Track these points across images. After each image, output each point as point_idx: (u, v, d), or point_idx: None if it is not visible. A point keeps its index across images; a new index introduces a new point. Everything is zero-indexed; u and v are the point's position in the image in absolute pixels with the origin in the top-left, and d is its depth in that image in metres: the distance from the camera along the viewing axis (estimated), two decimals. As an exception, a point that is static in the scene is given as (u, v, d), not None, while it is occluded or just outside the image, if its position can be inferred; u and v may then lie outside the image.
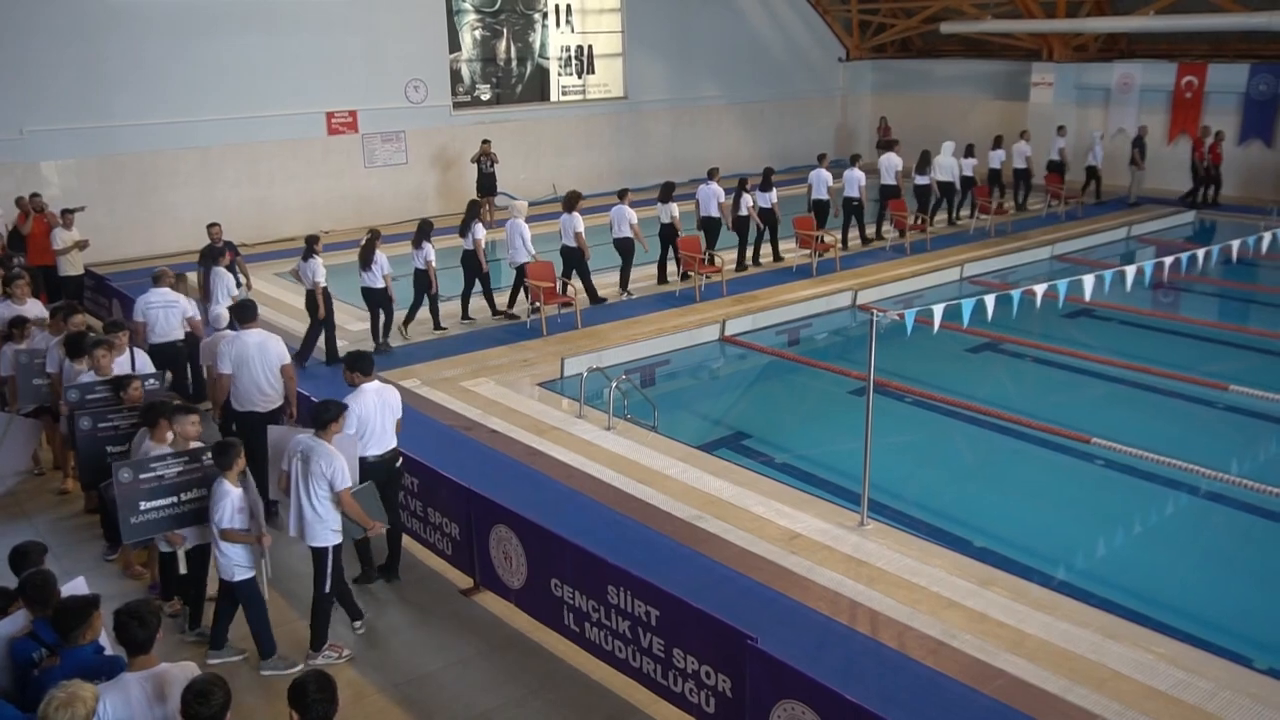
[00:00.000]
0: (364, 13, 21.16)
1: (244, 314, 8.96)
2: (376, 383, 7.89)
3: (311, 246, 12.63)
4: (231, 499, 6.62)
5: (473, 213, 14.50)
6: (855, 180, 18.33)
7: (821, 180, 18.47)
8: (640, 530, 8.63)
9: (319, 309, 12.55)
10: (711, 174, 17.04)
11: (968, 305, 8.65)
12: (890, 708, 6.21)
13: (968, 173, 20.79)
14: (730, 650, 5.63)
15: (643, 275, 16.48)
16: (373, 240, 13.11)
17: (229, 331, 9.34)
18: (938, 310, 8.48)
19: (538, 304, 14.24)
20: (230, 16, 19.63)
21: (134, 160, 19.11)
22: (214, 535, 6.68)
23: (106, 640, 5.22)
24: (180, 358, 10.99)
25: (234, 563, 6.71)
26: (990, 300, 8.82)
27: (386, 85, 21.75)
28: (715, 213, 16.63)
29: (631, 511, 8.96)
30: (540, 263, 14.63)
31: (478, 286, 14.70)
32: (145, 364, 9.33)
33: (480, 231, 14.21)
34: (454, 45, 22.99)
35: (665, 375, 13.59)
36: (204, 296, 12.53)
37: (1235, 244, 10.90)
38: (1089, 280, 9.29)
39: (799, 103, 29.16)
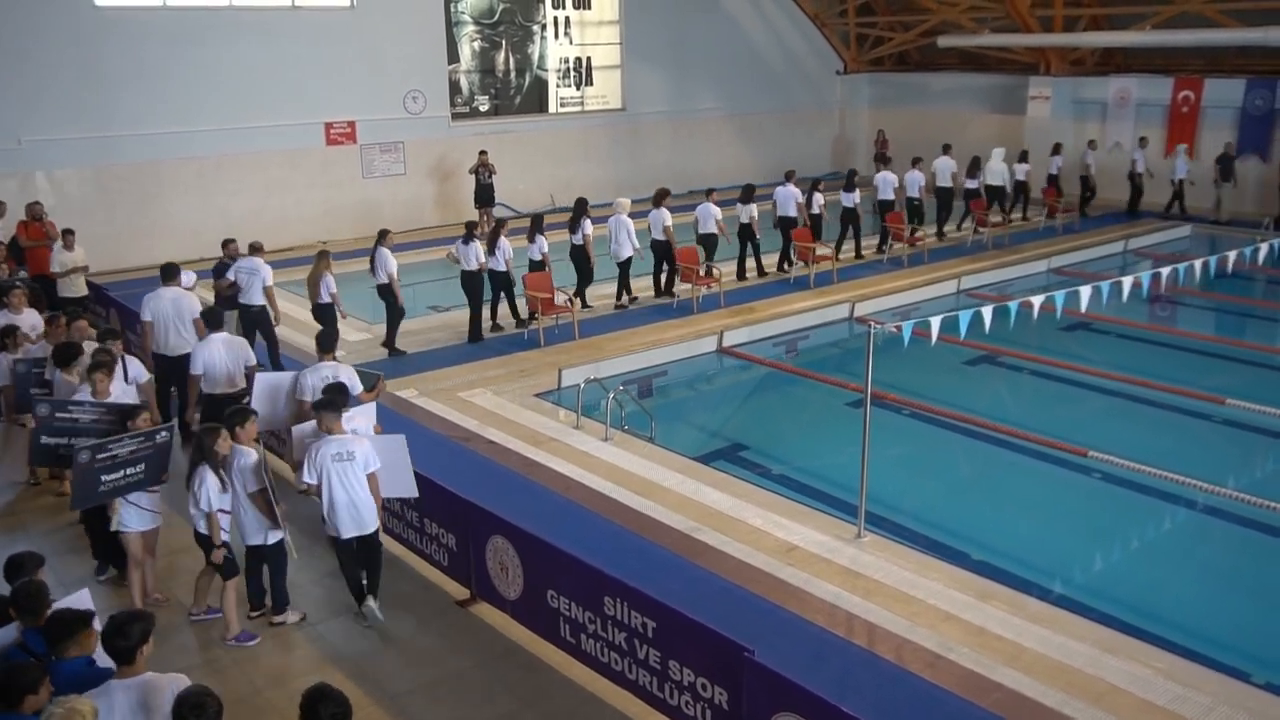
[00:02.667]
0: (363, 24, 21.20)
1: (166, 274, 10.53)
2: (224, 334, 9.57)
3: (471, 231, 14.22)
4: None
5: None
6: (916, 182, 19.86)
7: (888, 183, 19.70)
8: (637, 541, 8.61)
9: (479, 289, 14.08)
10: (788, 176, 18.35)
11: (965, 318, 8.64)
12: (887, 721, 6.21)
13: (1020, 177, 21.87)
14: (727, 662, 5.61)
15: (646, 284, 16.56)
16: (498, 229, 14.47)
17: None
18: (935, 322, 8.48)
19: (535, 313, 14.27)
20: (229, 27, 19.67)
21: (132, 170, 19.11)
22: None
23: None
24: (265, 322, 12.54)
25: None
26: (988, 313, 8.83)
27: (385, 96, 21.78)
28: (793, 212, 17.78)
29: (628, 523, 8.94)
30: (538, 274, 14.64)
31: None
32: (139, 372, 9.17)
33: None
34: (453, 56, 23.04)
35: (663, 386, 13.58)
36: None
37: (1231, 255, 10.91)
38: (1086, 293, 9.30)
39: (797, 115, 29.22)
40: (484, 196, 21.29)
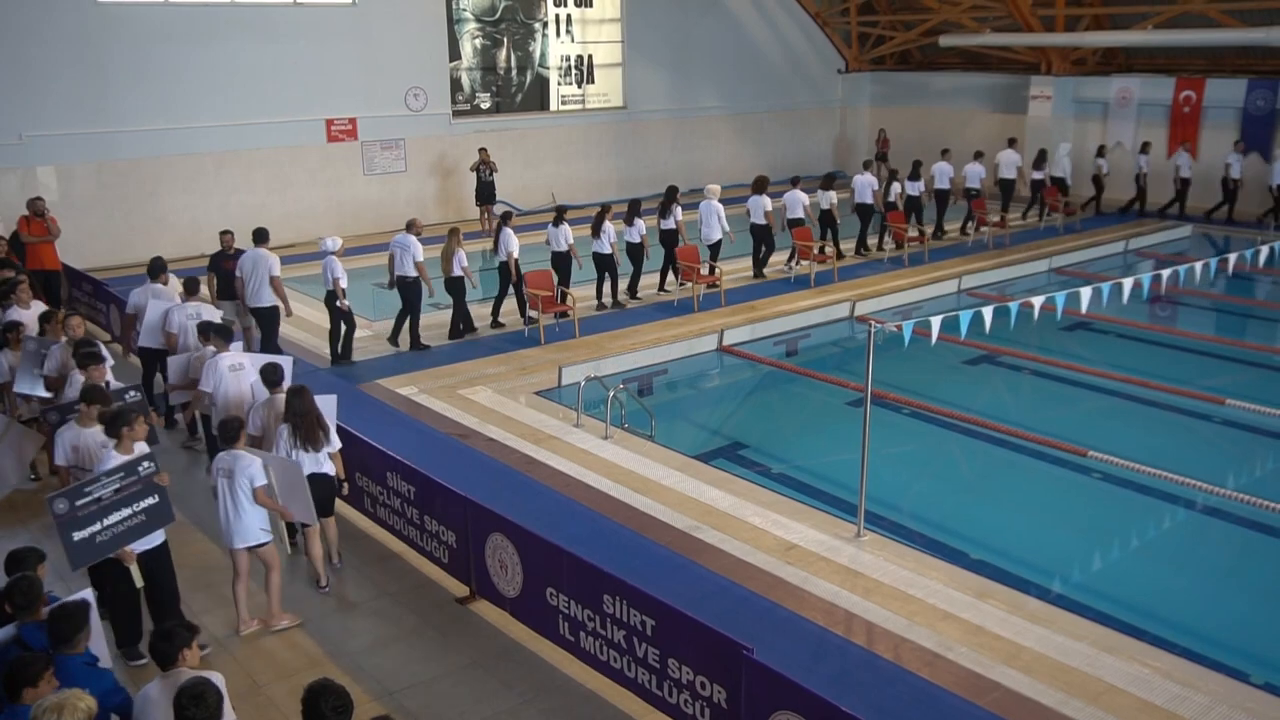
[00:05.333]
0: (364, 21, 21.20)
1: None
2: (156, 284, 11.25)
3: (561, 215, 15.09)
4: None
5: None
6: (977, 174, 21.10)
7: (944, 173, 20.89)
8: (636, 540, 8.61)
9: (569, 269, 15.07)
10: (866, 165, 20.39)
11: (965, 317, 8.65)
12: (886, 720, 6.21)
13: (1105, 171, 22.81)
14: (725, 661, 5.61)
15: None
16: (602, 213, 15.32)
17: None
18: (935, 322, 8.49)
19: (535, 312, 14.27)
20: (231, 23, 19.67)
21: (133, 166, 19.11)
22: None
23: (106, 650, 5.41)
24: (410, 294, 13.62)
25: None
26: (988, 312, 8.83)
27: (386, 93, 21.78)
28: (869, 200, 19.18)
29: (628, 521, 8.95)
30: (538, 271, 14.64)
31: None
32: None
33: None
34: (454, 54, 23.03)
35: (663, 385, 13.58)
36: (214, 299, 13.17)
37: (1232, 257, 10.92)
38: (1086, 293, 9.30)
39: (798, 114, 29.22)
40: (485, 194, 21.31)
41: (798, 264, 17.80)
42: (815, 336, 15.36)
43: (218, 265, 13.06)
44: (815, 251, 17.39)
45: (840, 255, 19.04)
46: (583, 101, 25.43)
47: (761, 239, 17.49)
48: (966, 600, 7.65)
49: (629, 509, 9.17)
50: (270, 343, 12.62)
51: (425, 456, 8.91)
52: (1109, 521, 9.54)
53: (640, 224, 15.77)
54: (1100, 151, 23.08)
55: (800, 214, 17.72)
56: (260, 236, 12.69)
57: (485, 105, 23.84)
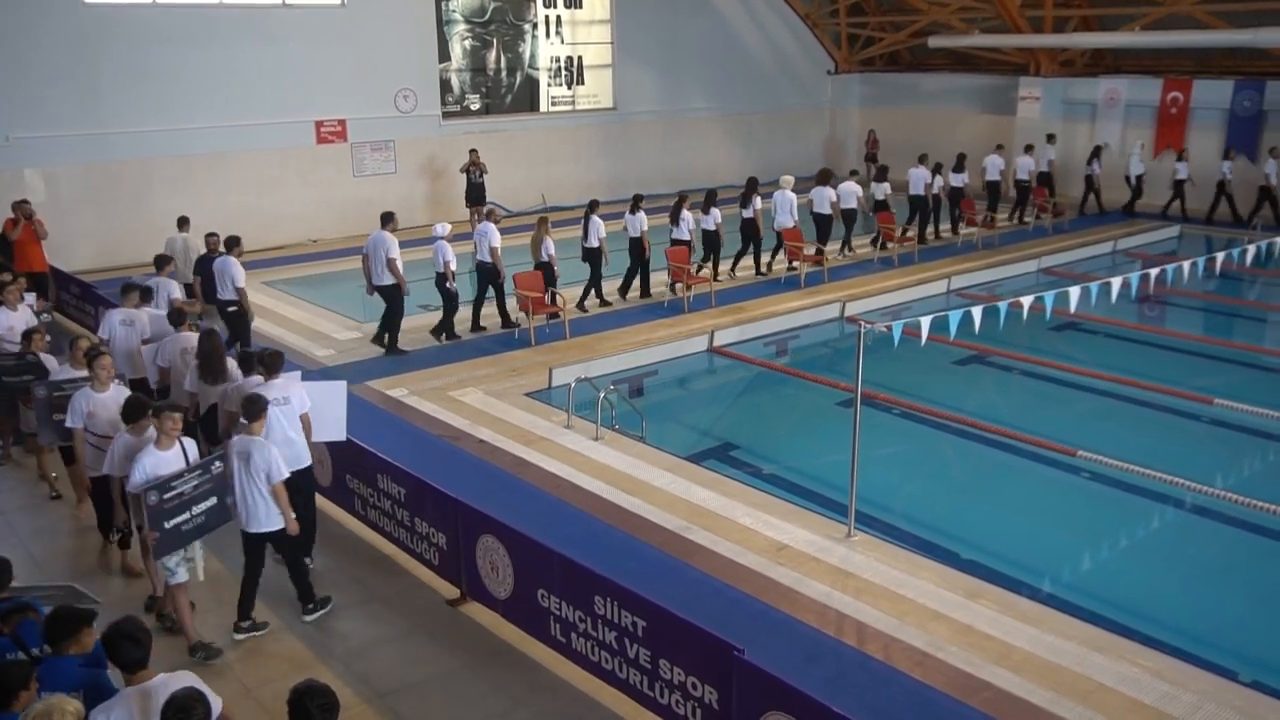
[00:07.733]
0: (354, 22, 21.14)
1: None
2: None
3: (637, 203, 15.94)
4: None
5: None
6: (1026, 166, 22.51)
7: (995, 165, 22.06)
8: (627, 541, 8.61)
9: (643, 253, 16.00)
10: (922, 159, 20.50)
11: (955, 317, 8.67)
12: (877, 720, 6.22)
13: (1182, 175, 22.46)
14: (717, 662, 5.62)
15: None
16: (680, 201, 16.45)
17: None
18: (925, 322, 8.50)
19: (524, 312, 14.26)
20: (221, 25, 19.60)
21: (122, 168, 19.02)
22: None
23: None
24: (490, 276, 14.32)
25: None
26: (977, 312, 8.85)
27: (376, 95, 21.73)
28: (922, 192, 20.20)
29: (619, 522, 8.94)
30: (529, 273, 14.63)
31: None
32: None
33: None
34: (444, 55, 23.00)
35: (653, 386, 13.58)
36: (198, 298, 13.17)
37: (1220, 256, 10.96)
38: (1075, 293, 9.33)
39: (787, 115, 29.27)
40: (475, 195, 21.25)
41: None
42: (805, 337, 15.38)
43: (202, 268, 12.97)
44: (809, 253, 17.49)
45: (884, 248, 19.43)
46: (572, 103, 25.42)
47: (824, 228, 18.46)
48: (957, 600, 7.66)
49: (620, 510, 9.17)
50: (393, 319, 13.61)
51: (415, 458, 8.89)
52: (1098, 521, 9.56)
53: (716, 212, 16.73)
54: (1181, 156, 22.59)
55: (853, 204, 18.87)
56: (385, 219, 13.45)
57: (475, 106, 23.82)
